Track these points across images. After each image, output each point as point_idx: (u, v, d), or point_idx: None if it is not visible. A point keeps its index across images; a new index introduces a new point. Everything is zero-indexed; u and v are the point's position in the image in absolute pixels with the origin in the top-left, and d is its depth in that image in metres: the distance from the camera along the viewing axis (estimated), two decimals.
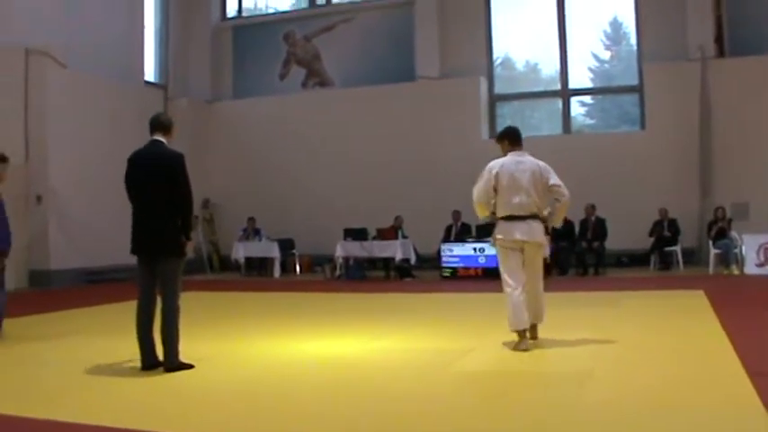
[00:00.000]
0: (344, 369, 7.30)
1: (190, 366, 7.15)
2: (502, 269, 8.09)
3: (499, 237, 8.07)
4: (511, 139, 8.37)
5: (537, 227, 8.08)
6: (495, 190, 8.07)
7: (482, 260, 16.87)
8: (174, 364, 7.07)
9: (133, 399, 6.16)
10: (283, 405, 5.85)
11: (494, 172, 8.04)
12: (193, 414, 5.62)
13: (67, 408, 5.80)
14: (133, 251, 7.30)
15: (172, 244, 7.14)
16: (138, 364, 7.18)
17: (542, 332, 8.45)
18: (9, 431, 5.29)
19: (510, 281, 7.94)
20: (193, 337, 7.52)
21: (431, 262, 18.52)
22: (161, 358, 7.15)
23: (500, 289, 8.25)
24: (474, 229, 18.20)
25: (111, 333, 9.68)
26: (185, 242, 7.21)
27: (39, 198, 17.62)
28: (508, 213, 8.02)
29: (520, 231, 7.97)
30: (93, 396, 6.25)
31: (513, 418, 5.28)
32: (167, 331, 7.06)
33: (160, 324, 7.09)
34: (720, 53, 19.26)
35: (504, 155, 8.28)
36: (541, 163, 8.32)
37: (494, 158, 8.36)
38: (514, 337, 7.93)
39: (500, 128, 20.33)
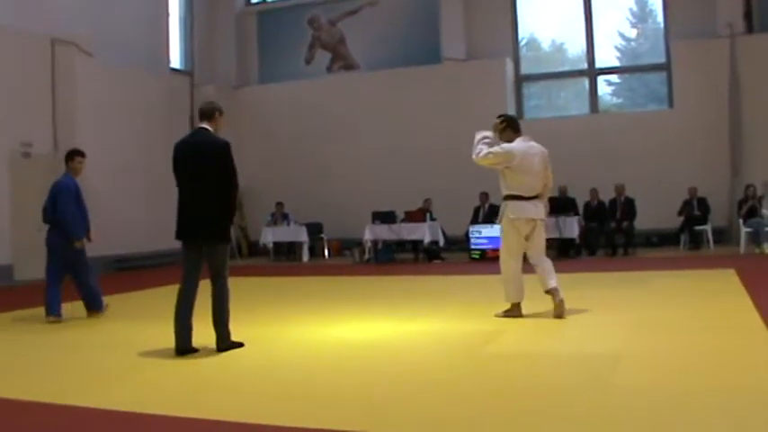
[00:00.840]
0: (376, 352, 7.33)
1: (240, 345, 7.42)
2: (505, 248, 8.80)
3: (512, 216, 8.65)
4: (515, 127, 8.93)
5: (541, 205, 8.83)
6: (501, 171, 8.78)
7: None
8: (226, 344, 7.33)
9: (159, 383, 6.23)
10: (315, 389, 5.87)
11: (515, 156, 8.60)
12: (226, 399, 5.65)
13: (103, 395, 5.86)
14: (179, 236, 7.45)
15: (220, 230, 7.37)
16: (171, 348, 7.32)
17: (572, 313, 8.58)
18: (51, 419, 5.36)
19: (510, 260, 8.75)
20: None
21: (459, 244, 18.51)
22: (195, 345, 7.29)
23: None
24: None
25: (144, 318, 9.84)
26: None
27: None
28: (519, 193, 8.68)
29: (531, 210, 8.68)
30: (123, 382, 6.33)
31: (543, 400, 5.25)
32: (219, 313, 7.33)
33: (212, 306, 7.34)
34: (749, 29, 19.01)
35: (507, 141, 8.80)
36: (544, 149, 8.94)
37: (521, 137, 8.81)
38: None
39: (528, 109, 20.25)
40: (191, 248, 7.41)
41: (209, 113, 7.62)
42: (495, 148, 8.66)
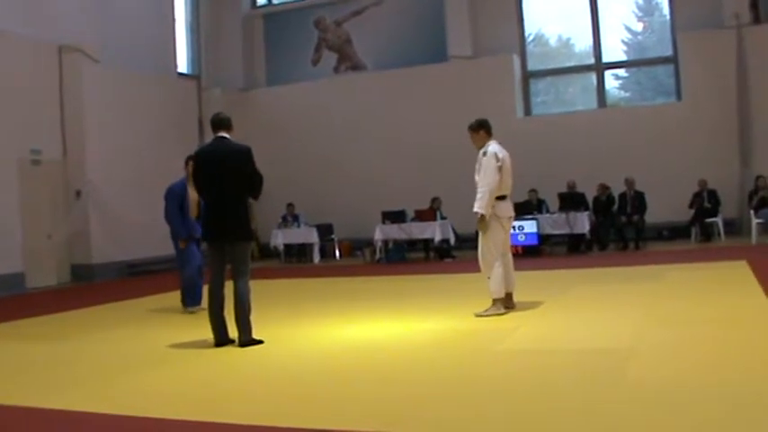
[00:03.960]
0: (389, 352, 7.35)
1: (260, 342, 7.78)
2: (491, 244, 9.03)
3: (499, 214, 8.99)
4: (488, 129, 9.41)
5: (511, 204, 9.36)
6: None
7: (521, 238, 16.84)
8: (247, 339, 7.73)
9: (179, 380, 6.25)
10: (330, 389, 5.90)
11: (500, 157, 9.02)
12: (248, 402, 5.69)
13: (121, 395, 5.89)
14: (207, 238, 8.03)
15: (243, 229, 7.96)
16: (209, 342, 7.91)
17: (586, 310, 8.72)
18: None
19: (496, 254, 8.99)
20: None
21: (470, 242, 18.29)
22: (231, 336, 7.83)
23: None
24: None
25: (161, 321, 9.86)
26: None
27: (78, 193, 17.75)
28: (503, 193, 9.09)
29: (510, 209, 9.29)
30: (143, 377, 6.35)
31: (558, 398, 5.25)
32: (241, 309, 7.75)
33: (233, 303, 7.74)
34: (756, 19, 18.94)
35: (481, 143, 9.31)
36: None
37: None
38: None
39: (536, 105, 20.23)
40: (216, 249, 7.96)
41: (226, 123, 8.16)
42: (491, 165, 8.96)
